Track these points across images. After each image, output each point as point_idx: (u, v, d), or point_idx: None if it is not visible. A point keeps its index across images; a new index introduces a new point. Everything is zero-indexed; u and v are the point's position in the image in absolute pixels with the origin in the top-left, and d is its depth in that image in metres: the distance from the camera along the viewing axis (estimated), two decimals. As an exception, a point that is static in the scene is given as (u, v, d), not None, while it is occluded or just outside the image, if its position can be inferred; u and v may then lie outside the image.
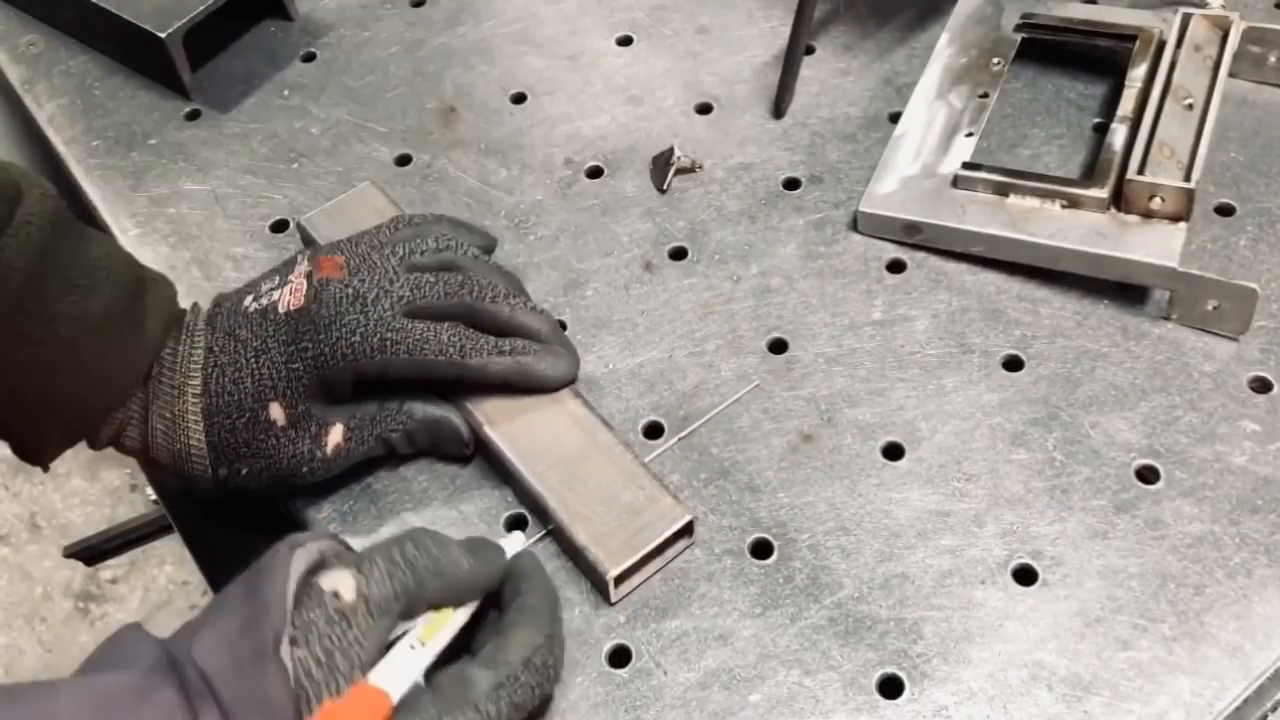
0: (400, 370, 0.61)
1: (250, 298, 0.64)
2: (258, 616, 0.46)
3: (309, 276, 0.63)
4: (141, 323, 0.62)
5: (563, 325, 0.71)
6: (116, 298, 0.60)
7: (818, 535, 0.61)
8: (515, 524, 0.63)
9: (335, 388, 0.62)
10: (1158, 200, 0.67)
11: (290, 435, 0.62)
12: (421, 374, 0.61)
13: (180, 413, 0.62)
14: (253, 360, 0.61)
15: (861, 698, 0.56)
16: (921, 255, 0.72)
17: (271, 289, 0.64)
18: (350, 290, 0.62)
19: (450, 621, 0.53)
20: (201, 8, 0.83)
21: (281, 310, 0.62)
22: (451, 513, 0.64)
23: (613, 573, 0.58)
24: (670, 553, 0.60)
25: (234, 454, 0.62)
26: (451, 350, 0.61)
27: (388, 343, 0.61)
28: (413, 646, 0.51)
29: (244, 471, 0.62)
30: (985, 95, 0.77)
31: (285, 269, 0.65)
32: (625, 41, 0.86)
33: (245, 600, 0.47)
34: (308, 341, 0.61)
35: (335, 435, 0.62)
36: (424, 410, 0.63)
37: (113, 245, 0.63)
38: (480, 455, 0.65)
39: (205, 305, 0.66)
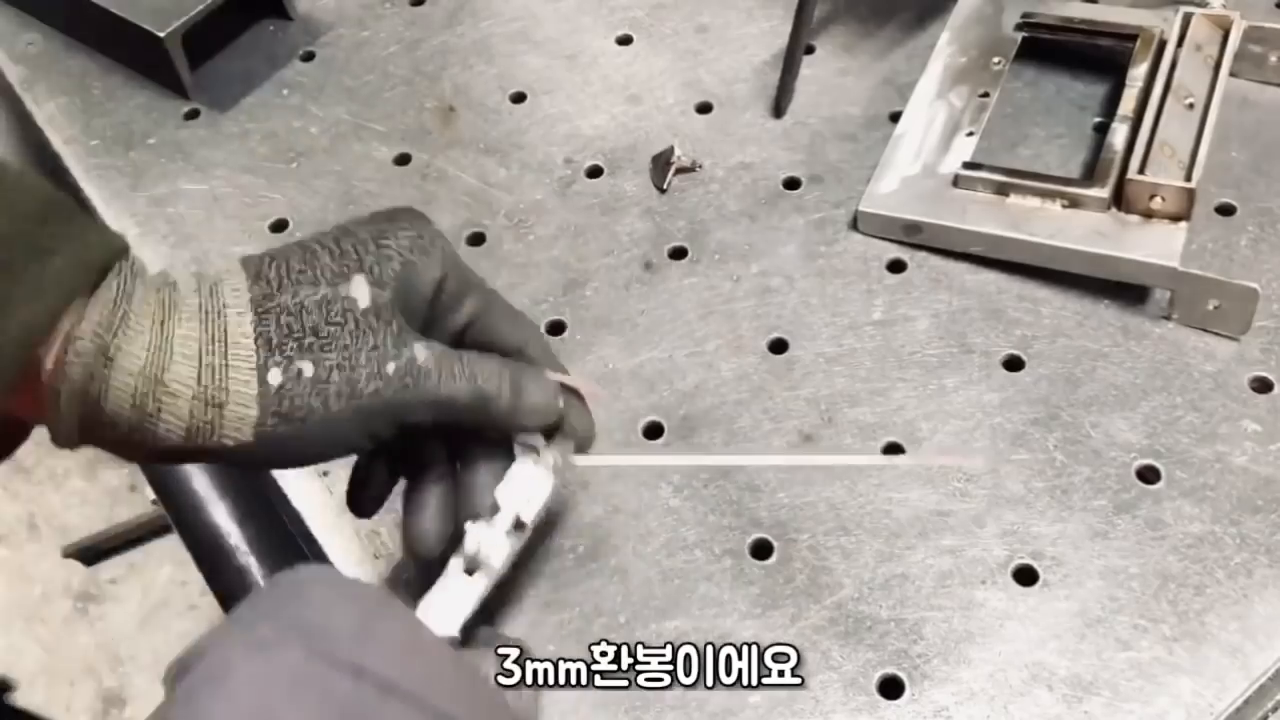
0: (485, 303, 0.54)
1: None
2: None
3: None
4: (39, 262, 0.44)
5: (563, 325, 0.71)
6: None
7: (818, 535, 0.61)
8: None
9: (415, 302, 0.51)
10: (1158, 200, 0.67)
11: (372, 323, 0.48)
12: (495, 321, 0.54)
13: (214, 310, 0.46)
14: (332, 239, 0.50)
15: (861, 698, 0.56)
16: (922, 255, 0.72)
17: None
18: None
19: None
20: (200, 7, 0.83)
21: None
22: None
23: None
24: None
25: (295, 346, 0.47)
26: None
27: (471, 284, 0.54)
28: (467, 571, 0.49)
29: (306, 374, 0.47)
30: (986, 95, 0.77)
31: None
32: (625, 41, 0.86)
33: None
34: (406, 223, 0.52)
35: (420, 350, 0.49)
36: (510, 365, 0.53)
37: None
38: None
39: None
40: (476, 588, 0.52)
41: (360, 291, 0.48)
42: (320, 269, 0.49)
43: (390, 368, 0.48)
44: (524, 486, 0.53)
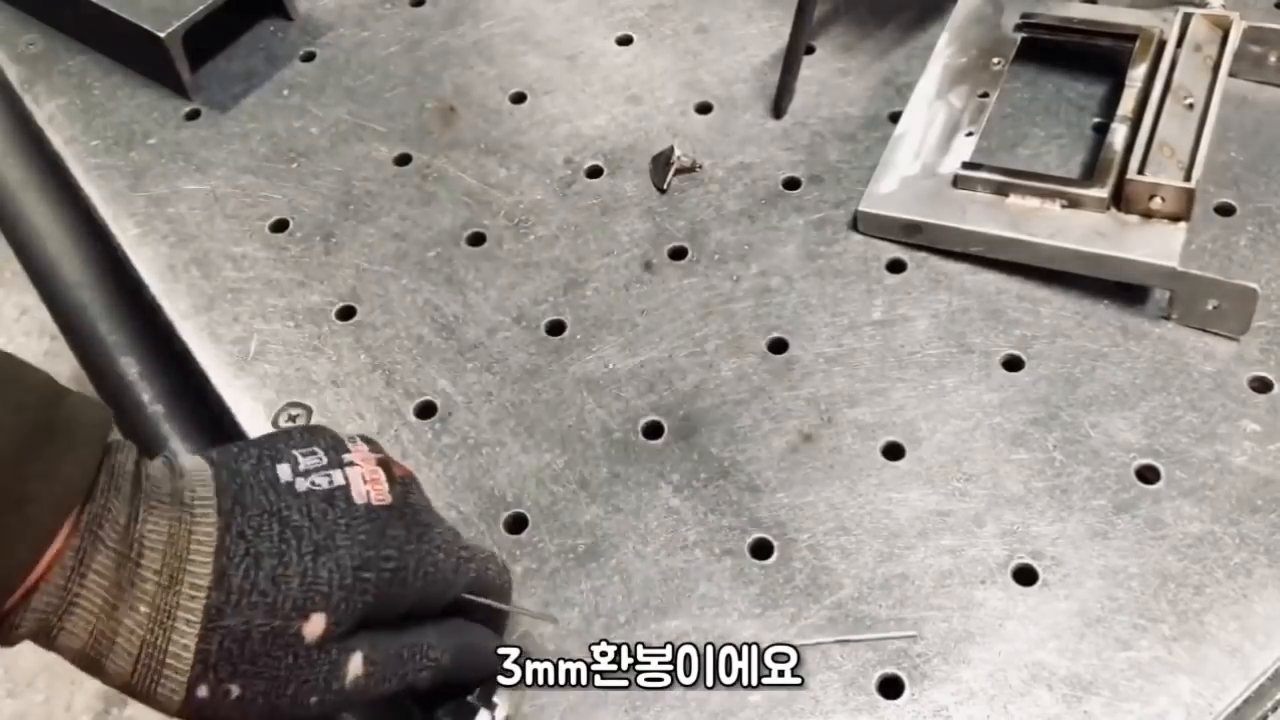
0: (458, 593, 0.54)
1: (287, 469, 0.51)
2: None
3: (386, 468, 0.53)
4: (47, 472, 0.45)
5: (562, 325, 0.71)
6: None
7: (818, 535, 0.61)
8: (514, 524, 0.63)
9: (383, 611, 0.51)
10: (1158, 200, 0.67)
11: (312, 657, 0.49)
12: (475, 593, 0.55)
13: (166, 607, 0.47)
14: (309, 557, 0.48)
15: (861, 698, 0.56)
16: (921, 255, 0.72)
17: (321, 468, 0.51)
18: (425, 497, 0.54)
19: None
20: (201, 7, 0.83)
21: (359, 501, 0.51)
22: (450, 513, 0.64)
23: None
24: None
25: (230, 670, 0.47)
26: (495, 566, 0.57)
27: (461, 563, 0.54)
28: None
29: (233, 695, 0.48)
30: (985, 95, 0.77)
31: (329, 447, 0.53)
32: (625, 41, 0.86)
33: None
34: (393, 549, 0.50)
35: (355, 665, 0.50)
36: (462, 637, 0.55)
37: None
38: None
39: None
40: None
41: (313, 629, 0.48)
42: (281, 596, 0.48)
43: (313, 700, 0.49)
44: None
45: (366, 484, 0.51)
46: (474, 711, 0.55)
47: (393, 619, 0.52)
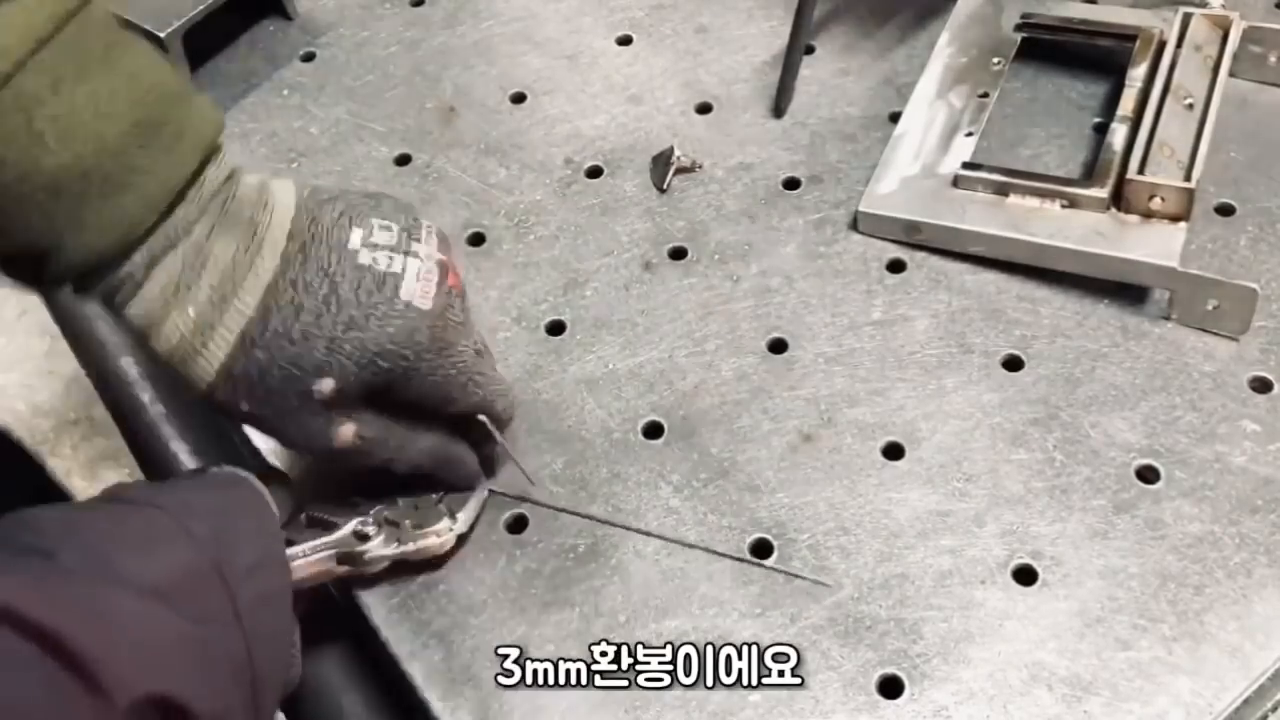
0: (460, 410, 0.60)
1: (359, 236, 0.55)
2: None
3: (442, 271, 0.56)
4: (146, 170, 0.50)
5: (562, 325, 0.71)
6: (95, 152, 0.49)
7: (818, 535, 0.61)
8: (514, 524, 0.63)
9: (385, 399, 0.57)
10: (1158, 200, 0.67)
11: (314, 410, 0.55)
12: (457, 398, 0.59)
13: (210, 321, 0.53)
14: (341, 328, 0.53)
15: (861, 698, 0.56)
16: (921, 255, 0.72)
17: (389, 246, 0.55)
18: (467, 314, 0.58)
19: None
20: (201, 7, 0.83)
21: (404, 298, 0.54)
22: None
23: None
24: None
25: (247, 392, 0.54)
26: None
27: (470, 385, 0.59)
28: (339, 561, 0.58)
29: (245, 410, 0.55)
30: (985, 95, 0.77)
31: (405, 228, 0.56)
32: (625, 41, 0.86)
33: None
34: (412, 352, 0.55)
35: (346, 432, 0.56)
36: (447, 449, 0.61)
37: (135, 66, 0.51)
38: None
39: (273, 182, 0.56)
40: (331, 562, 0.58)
41: (321, 390, 0.55)
42: (306, 352, 0.54)
43: (303, 442, 0.57)
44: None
45: (418, 281, 0.55)
46: (438, 517, 0.61)
47: (392, 408, 0.57)
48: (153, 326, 0.53)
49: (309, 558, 0.57)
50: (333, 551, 0.58)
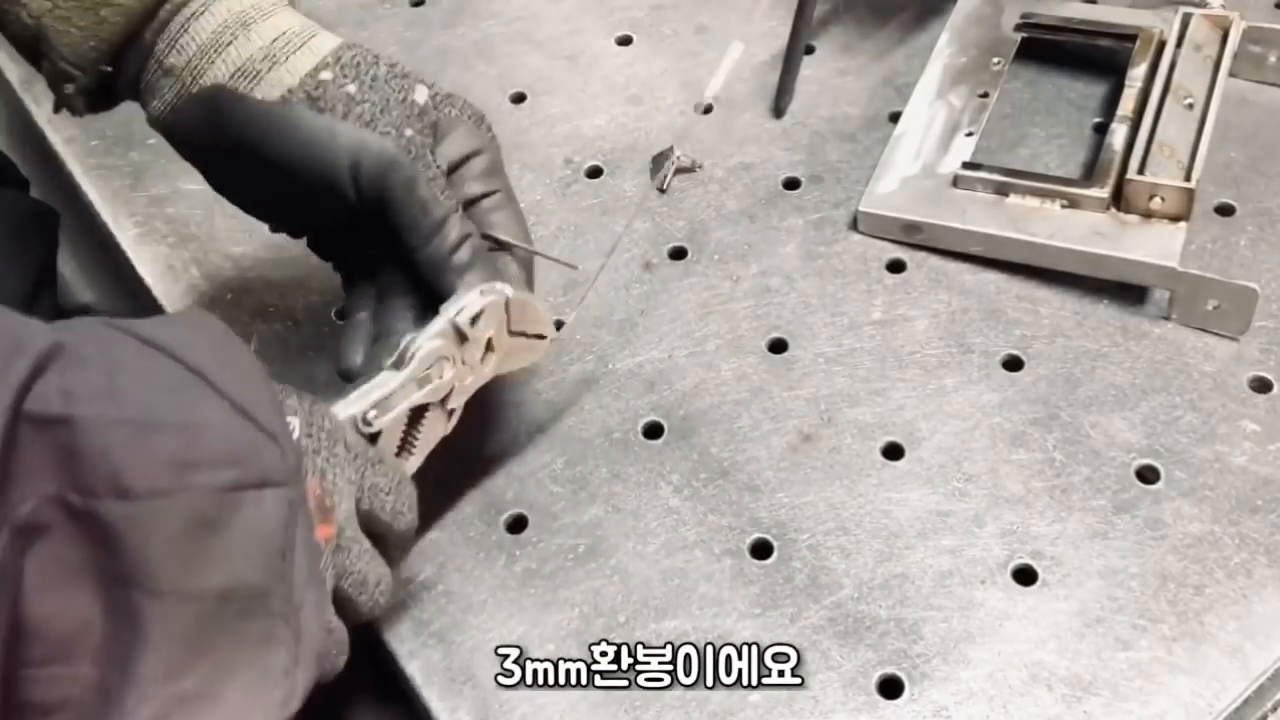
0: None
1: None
2: None
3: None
4: None
5: (562, 325, 0.71)
6: None
7: (817, 535, 0.61)
8: (514, 524, 0.63)
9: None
10: (1158, 200, 0.67)
11: (415, 111, 0.59)
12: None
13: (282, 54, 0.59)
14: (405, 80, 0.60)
15: (861, 698, 0.56)
16: (921, 255, 0.72)
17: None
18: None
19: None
20: (201, 7, 0.83)
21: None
22: (451, 513, 0.64)
23: None
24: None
25: (354, 72, 0.59)
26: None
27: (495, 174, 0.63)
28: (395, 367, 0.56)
29: (348, 90, 0.59)
30: (985, 95, 0.77)
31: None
32: (625, 41, 0.86)
33: None
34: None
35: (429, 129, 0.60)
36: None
37: None
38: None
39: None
40: (397, 378, 0.56)
41: (420, 96, 0.60)
42: (399, 70, 0.60)
43: (389, 127, 0.59)
44: (461, 301, 0.58)
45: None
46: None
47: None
48: (252, 22, 0.58)
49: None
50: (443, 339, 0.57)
